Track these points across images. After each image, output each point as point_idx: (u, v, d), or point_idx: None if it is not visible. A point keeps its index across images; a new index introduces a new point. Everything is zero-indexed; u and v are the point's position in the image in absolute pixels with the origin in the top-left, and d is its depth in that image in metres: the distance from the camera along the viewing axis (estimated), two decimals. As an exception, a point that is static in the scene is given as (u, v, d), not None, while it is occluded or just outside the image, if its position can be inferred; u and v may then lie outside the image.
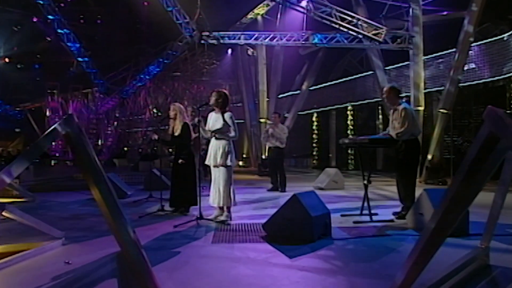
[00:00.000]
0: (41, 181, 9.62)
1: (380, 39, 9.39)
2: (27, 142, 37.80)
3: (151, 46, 21.17)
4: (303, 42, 11.30)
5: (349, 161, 17.55)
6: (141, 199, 7.32)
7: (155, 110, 23.21)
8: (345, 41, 10.59)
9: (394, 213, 5.56)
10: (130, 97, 22.60)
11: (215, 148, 5.24)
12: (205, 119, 5.46)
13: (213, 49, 21.04)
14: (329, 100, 18.25)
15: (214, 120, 5.29)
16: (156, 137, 6.30)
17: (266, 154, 14.08)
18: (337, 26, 9.83)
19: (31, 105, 35.29)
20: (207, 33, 13.52)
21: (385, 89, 5.46)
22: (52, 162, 20.80)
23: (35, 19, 27.02)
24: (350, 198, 7.80)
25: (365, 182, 5.48)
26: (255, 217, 5.60)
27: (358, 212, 5.67)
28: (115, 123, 25.34)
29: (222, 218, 5.26)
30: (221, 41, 13.20)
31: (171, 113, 6.01)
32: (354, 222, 5.19)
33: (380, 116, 16.28)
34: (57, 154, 27.06)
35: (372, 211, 5.39)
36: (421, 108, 10.76)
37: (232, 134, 5.22)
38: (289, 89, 18.75)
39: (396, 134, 5.16)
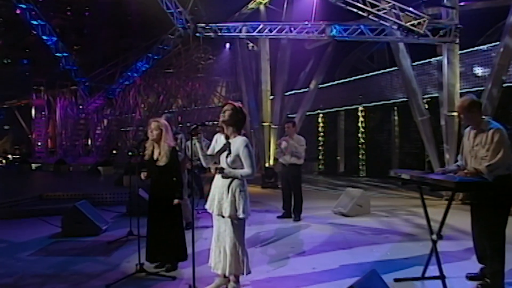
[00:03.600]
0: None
1: (421, 31, 7.68)
2: (15, 141, 36.13)
3: (141, 40, 19.32)
4: (318, 34, 9.57)
5: (360, 167, 15.92)
6: (119, 238, 5.63)
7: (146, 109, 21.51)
8: (371, 33, 8.90)
9: (472, 277, 3.92)
10: (118, 97, 20.77)
11: (221, 190, 3.55)
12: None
13: (210, 43, 19.28)
14: (338, 100, 16.56)
15: (221, 147, 3.62)
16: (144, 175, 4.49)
17: (271, 163, 12.45)
18: (365, 14, 8.09)
19: (18, 102, 33.75)
20: (203, 25, 11.77)
21: (462, 102, 3.75)
22: (33, 166, 18.97)
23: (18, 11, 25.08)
24: (386, 233, 6.12)
25: (434, 236, 3.80)
26: (277, 282, 3.95)
27: (416, 270, 4.05)
28: (105, 121, 23.60)
29: (228, 292, 3.62)
30: (219, 33, 11.44)
31: (153, 133, 4.30)
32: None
33: (396, 118, 14.64)
34: (40, 157, 25.33)
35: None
36: (456, 114, 9.10)
37: (248, 171, 3.52)
38: (293, 88, 17.05)
39: (486, 167, 3.47)
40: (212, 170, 3.53)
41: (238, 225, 3.55)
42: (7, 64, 35.07)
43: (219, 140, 3.65)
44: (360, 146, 15.92)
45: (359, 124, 15.95)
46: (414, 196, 9.83)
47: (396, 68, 13.60)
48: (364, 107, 15.71)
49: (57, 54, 17.96)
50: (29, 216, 7.42)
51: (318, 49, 17.03)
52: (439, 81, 10.97)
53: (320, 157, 17.89)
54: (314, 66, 17.80)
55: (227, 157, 3.52)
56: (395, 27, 7.96)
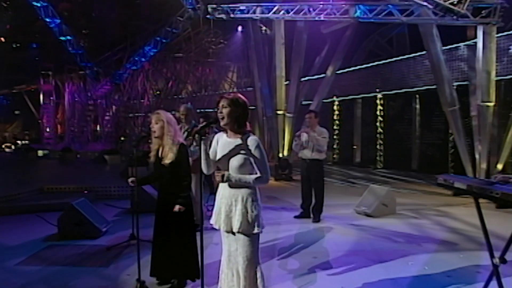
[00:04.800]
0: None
1: (462, 10, 6.83)
2: (25, 126, 35.98)
3: (150, 24, 18.55)
4: (340, 16, 8.74)
5: (378, 158, 15.15)
6: (119, 243, 5.03)
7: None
8: (400, 14, 8.05)
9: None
10: (126, 82, 20.14)
11: (229, 202, 2.88)
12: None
13: (220, 26, 18.49)
14: (354, 86, 15.73)
15: (225, 149, 2.91)
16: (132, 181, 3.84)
17: (286, 154, 11.77)
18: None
19: (27, 87, 33.53)
20: (214, 6, 10.98)
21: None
22: (40, 152, 18.54)
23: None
24: (418, 239, 5.43)
25: (496, 260, 3.10)
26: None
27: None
28: (113, 106, 23.08)
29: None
30: (231, 15, 10.66)
31: (154, 128, 3.65)
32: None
33: (417, 107, 13.80)
34: (49, 143, 25.03)
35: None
36: (491, 104, 8.32)
37: (261, 176, 2.85)
38: (306, 74, 16.23)
39: None
40: (218, 179, 2.84)
41: (251, 241, 2.89)
42: (15, 49, 34.67)
43: (220, 141, 2.95)
44: (378, 135, 15.14)
45: (377, 113, 15.13)
46: (441, 192, 9.15)
47: (420, 53, 12.86)
48: (383, 94, 14.87)
49: (61, 38, 17.25)
50: (26, 212, 6.91)
51: (335, 33, 16.15)
52: (469, 68, 10.18)
53: (334, 146, 17.14)
54: (330, 51, 16.96)
55: (234, 160, 2.86)
56: (430, 6, 7.10)
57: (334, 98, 16.65)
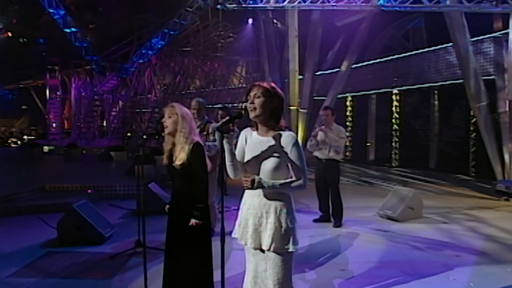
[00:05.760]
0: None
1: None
2: (32, 122, 35.82)
3: (157, 16, 18.06)
4: (362, 4, 8.17)
5: (393, 156, 14.56)
6: (124, 250, 4.55)
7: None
8: (428, 1, 7.47)
9: None
10: (133, 76, 19.67)
11: (258, 213, 2.37)
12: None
13: (229, 19, 17.97)
14: (369, 82, 15.12)
15: (256, 149, 2.39)
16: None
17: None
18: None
19: (34, 82, 33.38)
20: (224, -5, 10.45)
21: None
22: (46, 148, 18.17)
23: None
24: (453, 248, 4.89)
25: None
26: None
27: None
28: (120, 102, 22.67)
29: None
30: (243, 5, 10.12)
31: (168, 122, 3.11)
32: None
33: (436, 103, 13.18)
34: (55, 138, 24.74)
35: None
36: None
37: (300, 182, 2.34)
38: (319, 68, 15.66)
39: None
40: (247, 185, 2.31)
41: (284, 261, 2.39)
42: (22, 43, 34.44)
43: (250, 139, 2.44)
44: (393, 133, 14.54)
45: (393, 109, 14.52)
46: (466, 194, 8.63)
47: (440, 46, 12.25)
48: (399, 90, 14.26)
49: (65, 30, 16.73)
50: (26, 213, 6.47)
51: (349, 25, 15.56)
52: (495, 62, 9.57)
53: (347, 143, 16.56)
54: (343, 45, 16.38)
55: (267, 163, 2.35)
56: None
57: (347, 94, 16.07)
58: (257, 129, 2.43)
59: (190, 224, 2.94)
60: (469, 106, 11.66)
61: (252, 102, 2.33)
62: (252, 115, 2.34)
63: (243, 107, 2.36)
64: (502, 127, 8.36)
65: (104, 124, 24.92)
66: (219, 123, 2.22)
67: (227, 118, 2.25)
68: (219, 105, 9.62)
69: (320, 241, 5.17)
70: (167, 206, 3.17)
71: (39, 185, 7.96)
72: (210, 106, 18.59)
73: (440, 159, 13.05)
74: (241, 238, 2.44)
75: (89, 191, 7.85)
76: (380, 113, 15.41)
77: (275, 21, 14.17)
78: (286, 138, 2.34)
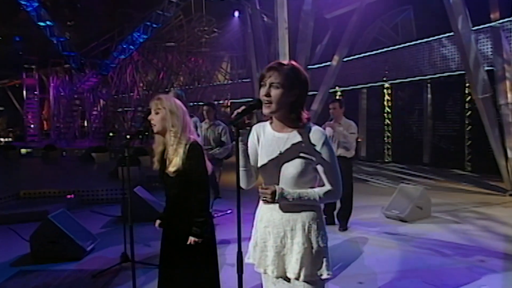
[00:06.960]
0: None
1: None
2: (10, 123, 34.54)
3: (138, 11, 17.31)
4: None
5: (385, 152, 14.22)
6: (108, 267, 3.97)
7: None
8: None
9: None
10: (114, 74, 18.87)
11: (280, 232, 1.84)
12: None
13: (214, 13, 17.36)
14: (359, 75, 14.75)
15: (274, 149, 1.84)
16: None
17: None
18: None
19: (10, 82, 32.16)
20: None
21: None
22: (23, 151, 17.27)
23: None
24: (473, 251, 4.45)
25: None
26: None
27: None
28: (101, 101, 21.84)
29: None
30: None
31: (155, 119, 2.52)
32: None
33: (429, 96, 12.86)
34: (34, 140, 23.77)
35: None
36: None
37: (332, 189, 1.85)
38: (308, 63, 15.20)
39: None
40: (265, 197, 1.78)
41: (315, 289, 1.89)
42: (-3, 42, 33.17)
43: (264, 137, 1.90)
44: (385, 127, 14.21)
45: (385, 103, 14.18)
46: (467, 189, 8.34)
47: (432, 38, 11.94)
48: (390, 84, 13.91)
49: (40, 23, 15.73)
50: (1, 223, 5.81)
51: (338, 18, 15.17)
52: (494, 52, 9.24)
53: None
54: (332, 38, 15.98)
55: (289, 167, 1.81)
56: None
57: (337, 89, 15.67)
58: (271, 124, 1.91)
59: (188, 242, 2.40)
60: (464, 99, 11.49)
61: (268, 95, 1.76)
62: (266, 110, 1.78)
63: (255, 103, 1.79)
64: (503, 120, 8.03)
65: (85, 124, 24.05)
66: (234, 114, 1.65)
67: (243, 108, 1.70)
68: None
69: (331, 248, 4.67)
70: (158, 222, 2.62)
71: (13, 192, 7.27)
72: (195, 103, 18.00)
73: (434, 154, 12.76)
74: (259, 264, 1.91)
75: (69, 196, 7.22)
76: (371, 107, 15.06)
77: (265, 17, 13.65)
78: (315, 134, 1.81)
